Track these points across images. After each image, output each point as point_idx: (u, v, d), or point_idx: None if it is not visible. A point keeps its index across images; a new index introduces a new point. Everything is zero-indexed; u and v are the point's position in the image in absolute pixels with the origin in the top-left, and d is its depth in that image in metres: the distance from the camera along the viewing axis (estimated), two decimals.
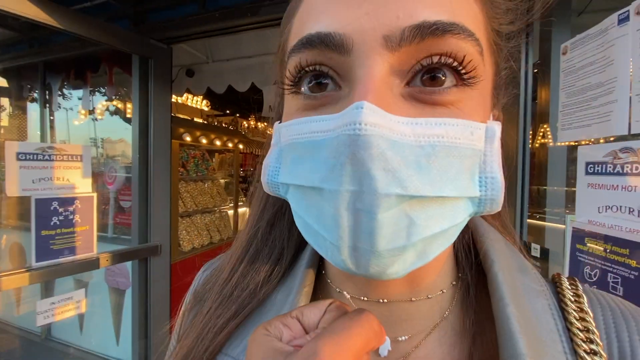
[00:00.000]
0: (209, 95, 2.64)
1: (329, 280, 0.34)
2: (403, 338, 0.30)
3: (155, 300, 1.85)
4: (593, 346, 0.25)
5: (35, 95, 2.75)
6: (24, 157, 1.32)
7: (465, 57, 0.22)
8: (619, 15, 0.76)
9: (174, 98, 2.68)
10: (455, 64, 0.22)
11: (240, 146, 3.75)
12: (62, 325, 2.43)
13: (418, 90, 0.23)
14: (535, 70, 1.16)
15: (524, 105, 1.13)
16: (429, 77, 0.22)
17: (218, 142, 2.71)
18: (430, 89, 0.22)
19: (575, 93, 0.89)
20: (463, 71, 0.22)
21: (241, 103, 4.98)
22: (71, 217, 1.43)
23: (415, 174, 0.21)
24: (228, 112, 5.93)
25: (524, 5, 0.29)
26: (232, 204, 3.11)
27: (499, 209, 0.25)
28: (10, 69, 2.66)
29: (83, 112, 2.70)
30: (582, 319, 0.27)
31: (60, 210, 1.40)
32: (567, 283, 0.31)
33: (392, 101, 0.22)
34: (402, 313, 0.30)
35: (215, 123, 5.89)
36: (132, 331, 1.89)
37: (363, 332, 0.21)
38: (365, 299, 0.30)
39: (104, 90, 2.53)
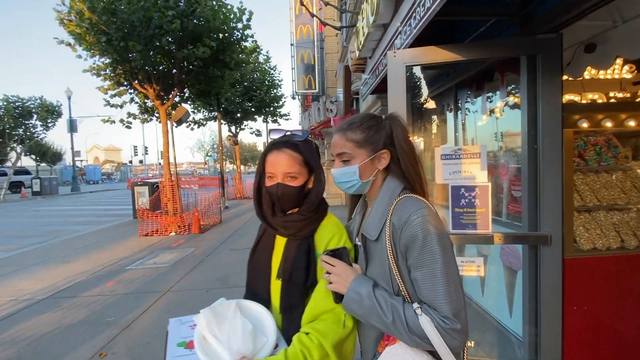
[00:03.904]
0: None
1: None
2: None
3: (546, 288, 1.87)
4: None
5: (451, 107, 3.71)
6: (445, 158, 1.95)
7: (345, 154, 0.99)
8: None
9: (580, 78, 2.43)
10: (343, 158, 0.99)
11: None
12: (468, 284, 3.11)
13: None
14: None
15: None
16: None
17: (632, 123, 2.09)
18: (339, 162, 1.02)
19: None
20: (346, 159, 0.99)
21: None
22: (473, 200, 1.89)
23: (341, 176, 0.99)
24: None
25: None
26: None
27: (366, 180, 0.99)
28: (436, 95, 3.80)
29: (484, 114, 3.23)
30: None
31: (466, 194, 1.90)
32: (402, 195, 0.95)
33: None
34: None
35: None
36: (522, 314, 2.03)
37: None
38: None
39: (498, 93, 2.88)
